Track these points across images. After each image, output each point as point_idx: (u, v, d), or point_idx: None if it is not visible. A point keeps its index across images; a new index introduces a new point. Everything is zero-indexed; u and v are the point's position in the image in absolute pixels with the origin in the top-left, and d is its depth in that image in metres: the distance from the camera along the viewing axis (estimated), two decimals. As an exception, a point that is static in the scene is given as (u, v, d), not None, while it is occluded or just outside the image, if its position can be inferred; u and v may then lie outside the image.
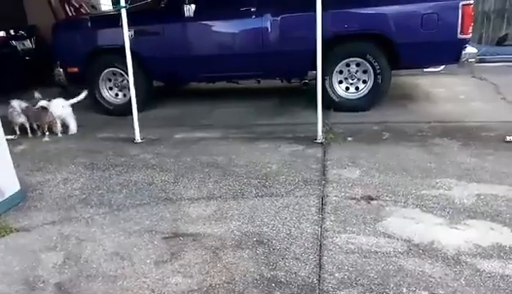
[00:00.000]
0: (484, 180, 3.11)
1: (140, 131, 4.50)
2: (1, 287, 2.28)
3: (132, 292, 2.18)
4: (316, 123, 4.11)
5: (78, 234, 2.76)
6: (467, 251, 2.32)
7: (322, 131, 4.14)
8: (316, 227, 2.65)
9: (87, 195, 3.31)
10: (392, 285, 2.09)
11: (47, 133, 4.77)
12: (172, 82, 6.40)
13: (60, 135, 4.76)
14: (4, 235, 2.79)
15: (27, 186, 3.47)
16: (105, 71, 5.45)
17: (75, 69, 5.53)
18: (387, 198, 2.95)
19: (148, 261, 2.43)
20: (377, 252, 2.35)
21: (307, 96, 5.19)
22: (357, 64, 4.89)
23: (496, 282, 2.06)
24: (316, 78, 4.13)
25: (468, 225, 2.56)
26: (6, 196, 3.15)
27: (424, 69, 6.40)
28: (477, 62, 5.53)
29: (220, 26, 5.19)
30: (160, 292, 2.16)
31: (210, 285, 2.19)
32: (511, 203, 2.76)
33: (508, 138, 3.79)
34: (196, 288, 2.18)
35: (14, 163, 3.30)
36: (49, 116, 4.67)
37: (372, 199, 2.95)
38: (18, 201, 3.23)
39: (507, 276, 2.10)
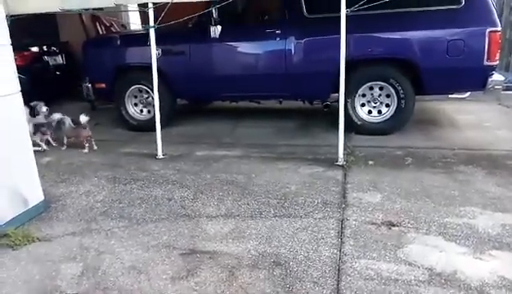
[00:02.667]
0: (510, 210, 3.01)
1: (162, 147, 4.57)
2: (20, 295, 2.32)
3: (148, 307, 2.18)
4: (337, 146, 4.08)
5: (98, 246, 2.79)
6: (491, 283, 2.23)
7: (343, 154, 4.11)
8: (335, 251, 2.61)
9: (108, 208, 3.36)
10: (412, 314, 2.02)
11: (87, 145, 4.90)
12: (196, 100, 6.50)
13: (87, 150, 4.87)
14: (26, 244, 2.85)
15: (50, 197, 3.55)
16: (132, 88, 5.59)
17: (103, 85, 5.70)
18: (409, 225, 2.89)
19: (164, 277, 2.43)
20: (397, 280, 2.29)
21: (329, 118, 5.18)
22: (381, 88, 4.87)
23: (522, 318, 1.98)
24: (338, 101, 4.13)
25: (493, 256, 2.48)
26: (30, 206, 3.24)
27: (450, 96, 6.32)
28: (503, 90, 5.42)
29: (244, 47, 5.28)
30: (175, 309, 2.16)
31: (225, 304, 2.17)
32: (539, 235, 2.66)
33: (536, 168, 3.68)
34: (211, 307, 2.16)
35: (39, 174, 3.39)
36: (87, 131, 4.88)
37: (393, 225, 2.89)
38: (41, 211, 3.31)
39: (535, 312, 2.01)
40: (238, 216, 3.15)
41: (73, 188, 3.80)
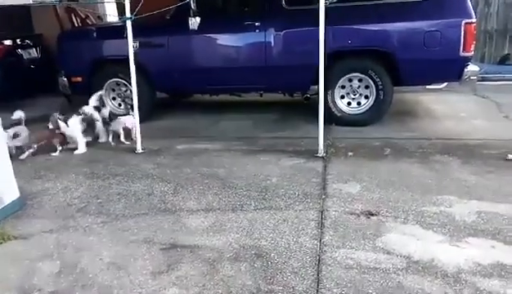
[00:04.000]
0: (485, 198, 3.09)
1: (141, 142, 4.50)
2: (-4, 295, 2.27)
3: (128, 303, 2.16)
4: (317, 137, 4.11)
5: (76, 243, 2.74)
6: (467, 269, 2.29)
7: (323, 146, 4.14)
8: (315, 241, 2.63)
9: (86, 204, 3.30)
10: (390, 302, 2.06)
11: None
12: (176, 93, 6.43)
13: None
14: (2, 242, 2.78)
15: (26, 194, 3.47)
16: (109, 81, 5.48)
17: (79, 79, 5.57)
18: (387, 214, 2.93)
19: (144, 272, 2.41)
20: (376, 268, 2.33)
21: (309, 110, 5.21)
22: (360, 80, 4.91)
23: (496, 302, 2.04)
24: (318, 93, 4.15)
25: (469, 243, 2.54)
26: (6, 203, 3.15)
27: (427, 86, 6.42)
28: (479, 80, 5.56)
29: (224, 39, 5.24)
30: (156, 304, 2.14)
31: (206, 298, 2.17)
32: (512, 222, 2.74)
33: (509, 156, 3.78)
34: (192, 301, 2.15)
35: (14, 171, 3.30)
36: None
37: (372, 215, 2.93)
38: (17, 208, 3.22)
39: (507, 296, 2.07)
40: (219, 209, 3.14)
41: (49, 184, 3.71)
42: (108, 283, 2.32)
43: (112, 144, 4.77)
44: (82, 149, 4.55)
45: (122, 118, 4.81)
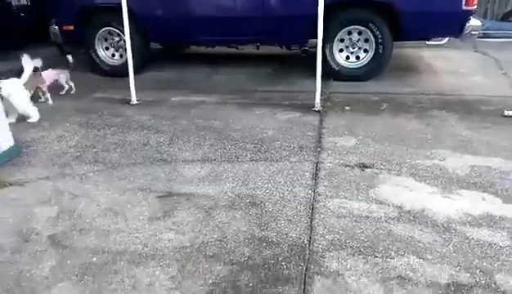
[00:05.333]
0: (479, 153, 3.11)
1: (136, 93, 4.45)
2: (-5, 238, 2.30)
3: (125, 246, 2.20)
4: (314, 92, 4.07)
5: (72, 190, 2.76)
6: (457, 219, 2.34)
7: (320, 100, 4.11)
8: (310, 191, 2.67)
9: (82, 153, 3.30)
10: (381, 248, 2.12)
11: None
12: (170, 44, 6.28)
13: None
14: (-2, 189, 2.80)
15: (21, 142, 3.45)
16: (101, 30, 5.33)
17: (71, 28, 5.40)
18: (381, 167, 2.96)
19: (141, 218, 2.45)
20: (368, 217, 2.38)
21: (307, 64, 5.13)
22: (359, 33, 4.80)
23: (483, 250, 2.10)
24: (316, 46, 4.06)
25: (460, 195, 2.58)
26: (0, 151, 3.14)
27: (427, 42, 6.30)
28: (480, 37, 5.46)
29: (220, -13, 5.05)
30: (153, 247, 2.19)
31: (202, 242, 2.22)
32: (504, 175, 2.78)
33: (506, 112, 3.78)
34: (188, 245, 2.20)
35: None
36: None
37: (366, 167, 2.96)
38: (12, 156, 3.22)
39: (495, 244, 2.13)
40: (215, 160, 3.15)
41: (44, 133, 3.69)
42: (105, 228, 2.36)
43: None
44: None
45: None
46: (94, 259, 2.12)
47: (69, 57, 4.76)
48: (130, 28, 4.29)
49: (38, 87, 4.37)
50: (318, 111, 4.03)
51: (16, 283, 1.98)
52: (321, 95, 4.14)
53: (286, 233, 2.26)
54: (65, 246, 2.23)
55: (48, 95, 4.46)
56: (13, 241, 2.28)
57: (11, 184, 2.86)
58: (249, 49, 5.91)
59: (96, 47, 5.39)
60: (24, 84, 3.92)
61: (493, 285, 1.87)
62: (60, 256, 2.15)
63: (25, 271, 2.05)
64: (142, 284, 1.94)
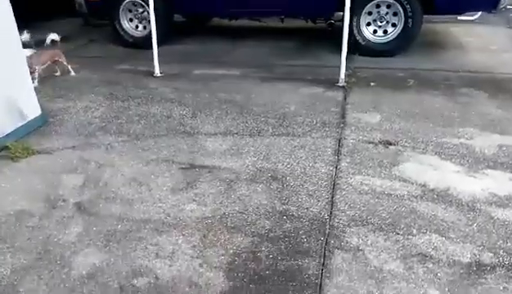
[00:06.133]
0: (508, 132, 3.02)
1: (159, 65, 4.45)
2: (24, 203, 2.39)
3: (149, 215, 2.26)
4: (338, 66, 3.98)
5: (98, 159, 2.83)
6: (482, 199, 2.30)
7: (345, 75, 4.02)
8: (331, 167, 2.65)
9: (107, 123, 3.36)
10: (402, 226, 2.11)
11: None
12: (193, 16, 6.22)
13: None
14: (27, 156, 2.88)
15: (48, 112, 3.53)
16: (126, 1, 5.30)
17: (96, -2, 5.40)
18: (406, 144, 2.91)
19: (164, 188, 2.49)
20: (391, 195, 2.35)
21: (332, 39, 5.00)
22: (388, 6, 4.63)
23: (508, 230, 2.06)
24: (342, 20, 3.94)
25: (486, 175, 2.52)
26: (28, 119, 3.22)
27: (458, 17, 6.05)
28: (515, 11, 5.18)
29: (245, -42, 4.93)
30: (175, 217, 2.24)
31: (224, 214, 2.25)
32: (534, 156, 2.69)
33: (539, 91, 3.62)
34: (210, 216, 2.24)
35: (35, 90, 3.33)
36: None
37: (390, 144, 2.91)
38: (39, 125, 3.30)
39: (521, 225, 2.09)
40: (236, 133, 3.16)
41: (70, 103, 3.76)
42: (130, 197, 2.42)
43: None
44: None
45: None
46: (119, 226, 2.18)
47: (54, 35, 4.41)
48: (154, 0, 4.26)
49: (56, 61, 4.38)
50: (342, 86, 3.96)
51: (44, 247, 2.06)
52: (346, 71, 4.06)
53: (307, 208, 2.27)
54: (90, 213, 2.30)
55: (69, 66, 4.48)
56: (41, 207, 2.36)
57: (38, 152, 2.94)
58: (273, 22, 5.80)
59: (120, 18, 5.38)
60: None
61: (517, 266, 1.84)
62: (86, 222, 2.22)
63: (53, 236, 2.13)
64: (165, 252, 2.00)
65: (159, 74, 4.43)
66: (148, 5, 4.33)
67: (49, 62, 4.31)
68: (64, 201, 2.42)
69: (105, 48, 5.42)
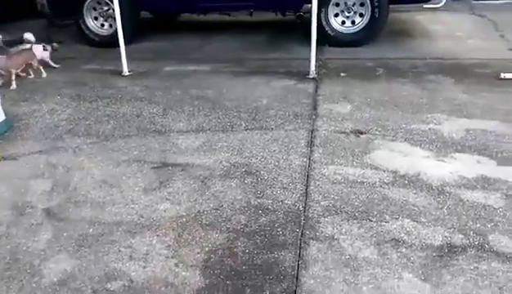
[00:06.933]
0: (475, 116, 3.10)
1: (128, 64, 4.36)
2: (-10, 212, 2.30)
3: (121, 217, 2.21)
4: (309, 59, 4.00)
5: (66, 163, 2.74)
6: (451, 182, 2.35)
7: (315, 67, 4.04)
8: (305, 159, 2.66)
9: (75, 126, 3.26)
10: (375, 212, 2.13)
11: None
12: (161, 12, 6.11)
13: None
14: (-9, 163, 2.77)
15: (13, 116, 3.40)
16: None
17: (58, -3, 5.23)
18: (376, 132, 2.94)
19: (137, 189, 2.44)
20: (363, 182, 2.38)
21: (302, 31, 5.02)
22: (355, -4, 4.68)
23: (477, 212, 2.11)
24: (311, 11, 3.95)
25: (454, 158, 2.58)
26: (-8, 125, 3.10)
27: (424, 5, 6.17)
28: (477, -1, 5.32)
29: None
30: (149, 218, 2.20)
31: (198, 211, 2.22)
32: (500, 138, 2.77)
33: (502, 75, 3.73)
34: (185, 214, 2.21)
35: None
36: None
37: (362, 133, 2.94)
38: (4, 130, 3.18)
39: (489, 206, 2.15)
40: (209, 130, 3.12)
41: (35, 107, 3.64)
42: (101, 200, 2.36)
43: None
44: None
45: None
46: (90, 230, 2.13)
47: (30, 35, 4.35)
48: (118, -4, 4.15)
49: (30, 63, 4.26)
50: (313, 78, 3.97)
51: (13, 257, 1.98)
52: (317, 62, 4.08)
53: (282, 201, 2.27)
54: (60, 218, 2.23)
55: (41, 67, 4.35)
56: (8, 215, 2.28)
57: (4, 158, 2.84)
58: (243, 16, 5.77)
59: (85, 17, 5.24)
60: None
61: (486, 245, 1.89)
62: (55, 228, 2.15)
63: (22, 244, 2.06)
64: (139, 253, 1.96)
65: (127, 73, 4.34)
66: (113, 2, 4.22)
67: (24, 64, 4.19)
68: (32, 207, 2.33)
69: (70, 48, 5.26)
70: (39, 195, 2.43)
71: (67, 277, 1.85)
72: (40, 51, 4.44)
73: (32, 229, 2.16)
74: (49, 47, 4.56)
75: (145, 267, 1.88)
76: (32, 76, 4.33)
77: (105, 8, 5.19)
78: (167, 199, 2.34)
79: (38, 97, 3.83)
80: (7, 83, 4.07)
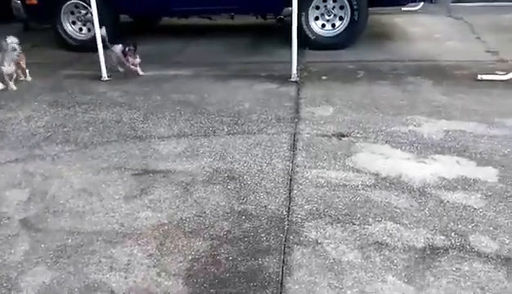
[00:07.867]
0: (453, 117, 3.15)
1: (107, 69, 4.29)
2: (-37, 225, 2.22)
3: (101, 227, 2.16)
4: (290, 62, 4.01)
5: (44, 172, 2.67)
6: (432, 183, 2.38)
7: (297, 70, 4.06)
8: (288, 163, 2.65)
9: (52, 133, 3.19)
10: (358, 215, 2.14)
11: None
12: (141, 16, 6.04)
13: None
14: (-36, 173, 2.68)
15: (-13, 124, 3.31)
16: (67, 3, 5.06)
17: (34, 1, 5.11)
18: (358, 135, 2.96)
19: (117, 197, 2.39)
20: (345, 185, 2.39)
21: (283, 34, 5.03)
22: (334, 0, 4.71)
23: (458, 212, 2.14)
24: (291, 14, 3.97)
25: (435, 160, 2.62)
26: (-35, 134, 3.00)
27: (402, 8, 6.27)
28: (454, 1, 5.44)
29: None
30: (130, 226, 2.15)
31: (181, 218, 2.19)
32: (478, 139, 2.82)
33: (480, 76, 3.81)
34: (167, 222, 2.17)
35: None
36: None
37: (343, 136, 2.96)
38: (-22, 139, 3.08)
39: (469, 206, 2.18)
40: (191, 135, 3.09)
41: (11, 114, 3.54)
42: (80, 209, 2.30)
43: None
44: None
45: None
46: (69, 241, 2.07)
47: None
48: (97, 0, 4.08)
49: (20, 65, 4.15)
50: (295, 81, 3.99)
51: (-11, 270, 1.91)
52: (298, 66, 4.10)
53: (265, 206, 2.25)
54: (38, 229, 2.16)
55: (27, 71, 4.26)
56: (-17, 227, 2.20)
57: (-22, 169, 2.74)
58: (224, 20, 5.76)
59: (63, 22, 5.13)
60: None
61: (467, 246, 1.91)
62: (33, 239, 2.09)
63: (-2, 257, 1.99)
64: (120, 264, 1.91)
65: (106, 78, 4.27)
66: (90, 6, 4.15)
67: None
68: (8, 218, 2.26)
69: (48, 53, 5.16)
70: (16, 205, 2.35)
71: (46, 290, 1.79)
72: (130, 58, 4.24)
73: (8, 240, 2.09)
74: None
75: (126, 277, 1.84)
76: (22, 78, 4.24)
77: (83, 12, 5.10)
78: (148, 207, 2.30)
79: (14, 104, 3.73)
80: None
